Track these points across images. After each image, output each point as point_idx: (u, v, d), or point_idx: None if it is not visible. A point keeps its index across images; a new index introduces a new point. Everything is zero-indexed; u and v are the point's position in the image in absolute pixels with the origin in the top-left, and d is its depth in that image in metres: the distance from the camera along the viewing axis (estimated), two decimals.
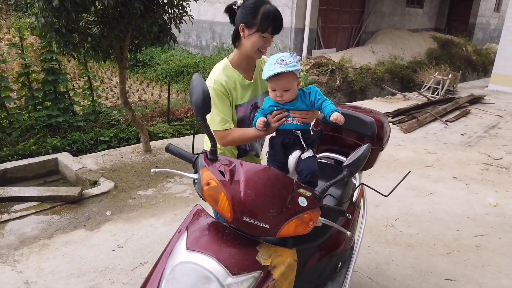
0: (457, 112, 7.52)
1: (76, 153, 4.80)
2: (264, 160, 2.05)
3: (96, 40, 4.12)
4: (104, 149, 4.97)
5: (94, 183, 3.97)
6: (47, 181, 4.29)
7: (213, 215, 1.64)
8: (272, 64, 1.65)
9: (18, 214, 3.33)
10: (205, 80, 1.87)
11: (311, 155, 1.72)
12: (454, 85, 9.52)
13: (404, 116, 6.97)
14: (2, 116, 5.13)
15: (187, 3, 4.34)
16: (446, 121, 6.92)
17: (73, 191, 3.62)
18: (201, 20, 12.06)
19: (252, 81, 1.98)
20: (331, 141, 2.36)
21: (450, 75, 9.23)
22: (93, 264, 2.77)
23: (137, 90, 8.91)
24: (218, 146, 1.98)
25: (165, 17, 4.29)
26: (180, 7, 4.26)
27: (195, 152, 1.50)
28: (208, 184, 1.35)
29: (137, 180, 4.10)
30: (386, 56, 11.85)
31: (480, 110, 7.86)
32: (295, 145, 1.73)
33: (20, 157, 4.44)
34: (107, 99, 7.82)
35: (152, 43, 4.48)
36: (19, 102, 5.48)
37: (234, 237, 1.34)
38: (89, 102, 6.00)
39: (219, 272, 1.22)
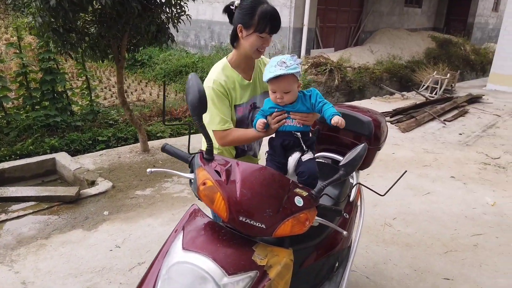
0: (455, 112, 7.53)
1: (74, 153, 4.79)
2: (262, 160, 2.05)
3: (94, 39, 4.12)
4: (102, 149, 4.96)
5: (92, 183, 3.96)
6: (45, 181, 4.28)
7: (210, 215, 1.64)
8: (273, 66, 1.65)
9: (15, 214, 3.32)
10: (203, 79, 1.88)
11: (312, 157, 1.72)
12: (452, 85, 9.54)
13: (402, 116, 6.97)
14: (0, 116, 5.12)
15: (185, 3, 4.34)
16: (444, 120, 6.93)
17: (70, 191, 3.62)
18: (200, 19, 12.06)
19: (251, 81, 1.98)
20: (328, 140, 2.36)
21: (448, 75, 9.24)
22: (90, 264, 2.77)
23: (136, 90, 8.90)
24: (217, 146, 1.99)
25: (163, 17, 4.28)
26: (178, 7, 4.26)
27: (191, 152, 1.50)
28: (204, 184, 1.35)
29: (135, 180, 4.10)
30: (385, 56, 11.86)
31: (478, 110, 7.87)
32: (295, 146, 1.73)
33: (17, 157, 4.43)
34: (105, 98, 7.82)
35: (150, 42, 4.47)
36: (17, 101, 5.47)
37: (230, 237, 1.34)
38: (87, 102, 5.99)
39: (215, 272, 1.22)
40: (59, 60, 5.51)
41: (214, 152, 1.99)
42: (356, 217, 2.37)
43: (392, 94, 9.32)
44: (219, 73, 1.89)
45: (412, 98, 8.72)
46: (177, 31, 4.47)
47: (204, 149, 1.46)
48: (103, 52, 4.29)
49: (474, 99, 8.58)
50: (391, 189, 1.51)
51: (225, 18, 1.90)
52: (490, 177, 4.57)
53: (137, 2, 3.68)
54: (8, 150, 4.51)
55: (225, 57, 1.97)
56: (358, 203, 2.43)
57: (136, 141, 5.13)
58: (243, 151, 2.10)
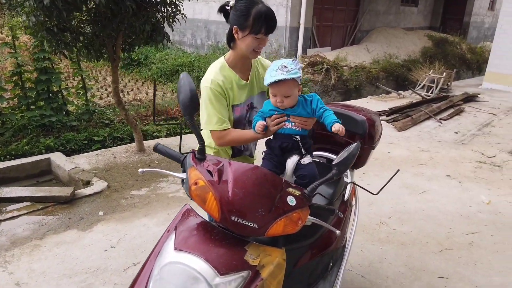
0: (451, 110, 7.55)
1: (69, 153, 4.77)
2: (258, 160, 2.05)
3: (89, 39, 4.10)
4: (98, 148, 4.95)
5: (87, 183, 3.94)
6: (40, 181, 4.26)
7: (205, 214, 1.64)
8: (274, 70, 1.65)
9: (9, 215, 3.30)
10: (200, 79, 1.87)
11: (311, 161, 1.74)
12: (449, 84, 9.56)
13: (398, 115, 6.99)
14: None
15: (180, 2, 4.32)
16: (440, 119, 6.94)
17: (65, 191, 3.60)
18: (196, 19, 12.03)
19: (248, 82, 1.98)
20: (323, 139, 2.35)
21: (444, 74, 9.26)
22: (85, 265, 2.75)
23: (132, 90, 8.87)
24: (213, 145, 1.99)
25: (158, 16, 4.26)
26: (173, 6, 4.24)
27: (183, 151, 1.49)
28: (196, 183, 1.34)
29: (130, 180, 4.08)
30: (381, 55, 11.88)
31: (474, 108, 7.90)
32: (293, 149, 1.74)
33: (12, 157, 4.41)
34: (101, 98, 7.79)
35: (145, 42, 4.45)
36: (12, 101, 5.44)
37: (222, 237, 1.34)
38: (83, 102, 5.96)
39: (207, 272, 1.22)
40: (54, 59, 5.49)
41: (210, 152, 2.00)
42: (351, 216, 2.37)
43: (388, 93, 9.33)
44: (217, 73, 1.88)
45: (408, 97, 8.74)
46: (172, 30, 4.46)
47: (197, 149, 1.45)
48: (98, 51, 4.27)
49: (470, 98, 8.61)
50: (384, 188, 1.51)
51: (221, 18, 1.89)
52: (486, 175, 4.59)
53: (131, 1, 3.67)
54: (3, 150, 4.48)
55: (222, 57, 1.96)
56: (353, 202, 2.43)
57: (132, 140, 5.11)
58: (240, 151, 2.10)
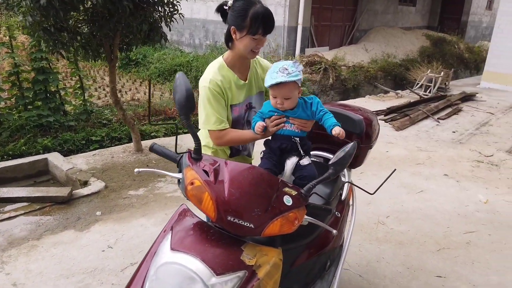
0: (449, 110, 7.56)
1: (67, 153, 4.76)
2: (256, 160, 2.05)
3: (86, 39, 4.09)
4: (96, 148, 4.94)
5: (85, 183, 3.94)
6: (37, 182, 4.25)
7: (201, 215, 1.63)
8: (275, 72, 1.65)
9: (6, 215, 3.29)
10: (198, 78, 1.87)
11: (310, 162, 1.74)
12: (446, 83, 9.58)
13: (396, 114, 6.99)
14: None
15: (178, 1, 4.32)
16: (438, 118, 6.95)
17: (63, 192, 3.59)
18: (194, 18, 12.02)
19: (246, 82, 1.97)
20: (320, 139, 2.35)
21: (442, 73, 9.28)
22: (82, 265, 2.75)
23: (130, 89, 8.86)
24: (211, 145, 1.98)
25: (156, 16, 4.26)
26: (170, 5, 4.24)
27: (179, 151, 1.49)
28: (192, 183, 1.34)
29: (128, 180, 4.08)
30: (379, 54, 11.89)
31: (471, 108, 7.91)
32: (292, 150, 1.74)
33: (10, 158, 4.40)
34: (99, 98, 7.77)
35: (143, 41, 4.45)
36: (9, 101, 5.42)
37: (218, 237, 1.33)
38: (81, 102, 5.95)
39: (203, 273, 1.21)
40: (52, 59, 5.47)
41: (208, 152, 2.00)
42: (348, 215, 2.37)
43: (386, 92, 9.34)
44: (216, 73, 1.88)
45: (406, 97, 8.75)
46: (170, 30, 4.45)
47: (193, 149, 1.45)
48: (96, 51, 4.26)
49: (467, 97, 8.62)
50: (380, 187, 1.51)
51: (219, 17, 1.89)
52: (483, 174, 4.60)
53: (129, 0, 3.66)
54: (0, 150, 4.47)
55: (220, 56, 1.96)
56: (350, 201, 2.43)
57: (130, 140, 5.10)
58: (238, 151, 2.10)
